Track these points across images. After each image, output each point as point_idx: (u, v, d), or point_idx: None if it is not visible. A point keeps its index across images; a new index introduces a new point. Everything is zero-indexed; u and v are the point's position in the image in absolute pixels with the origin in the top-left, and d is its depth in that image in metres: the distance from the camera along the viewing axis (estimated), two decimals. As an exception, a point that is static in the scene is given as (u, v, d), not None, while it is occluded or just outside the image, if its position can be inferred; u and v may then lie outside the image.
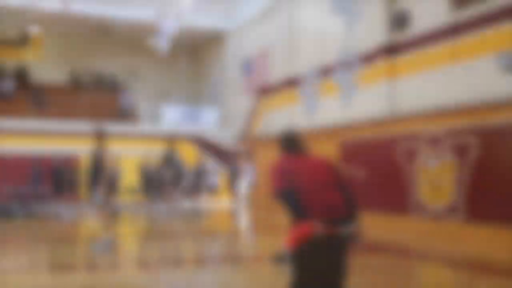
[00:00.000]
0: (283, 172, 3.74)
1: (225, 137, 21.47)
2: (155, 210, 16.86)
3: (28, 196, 16.77)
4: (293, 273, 3.65)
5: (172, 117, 21.12)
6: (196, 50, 25.22)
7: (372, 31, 13.41)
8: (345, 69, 14.68)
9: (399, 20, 12.42)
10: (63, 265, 8.07)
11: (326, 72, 15.56)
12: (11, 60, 23.57)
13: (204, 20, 19.33)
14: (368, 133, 13.35)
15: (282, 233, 11.55)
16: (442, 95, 11.26)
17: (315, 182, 3.68)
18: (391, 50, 12.76)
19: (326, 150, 13.79)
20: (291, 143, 3.99)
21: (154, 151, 17.99)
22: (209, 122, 21.55)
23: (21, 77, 23.41)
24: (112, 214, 15.29)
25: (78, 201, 16.33)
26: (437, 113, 11.23)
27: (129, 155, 17.82)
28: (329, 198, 3.63)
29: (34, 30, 22.24)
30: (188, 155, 17.88)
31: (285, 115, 17.49)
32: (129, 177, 16.90)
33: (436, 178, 11.14)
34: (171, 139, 19.39)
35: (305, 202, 3.58)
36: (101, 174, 8.91)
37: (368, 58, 13.63)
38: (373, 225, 11.73)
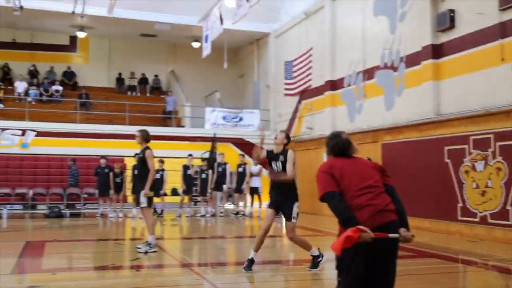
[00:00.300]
0: (330, 175, 3.69)
1: (267, 139, 21.46)
2: (198, 212, 17.03)
3: (75, 197, 17.20)
4: (340, 279, 3.62)
5: (214, 119, 21.29)
6: (238, 53, 25.37)
7: (417, 32, 13.19)
8: (388, 71, 14.48)
9: (445, 21, 12.16)
10: (108, 265, 8.24)
11: (369, 74, 15.39)
12: (60, 64, 24.32)
13: (246, 22, 19.38)
14: (412, 135, 13.13)
15: (324, 236, 11.43)
16: (490, 97, 10.98)
17: (363, 185, 3.64)
18: (436, 51, 12.52)
19: (368, 153, 13.65)
20: (338, 146, 3.92)
21: (197, 153, 18.18)
22: (251, 124, 21.61)
23: (69, 81, 24.07)
24: (157, 215, 15.56)
25: (123, 202, 16.65)
26: (484, 115, 10.96)
27: (173, 157, 18.06)
28: (378, 202, 3.58)
29: (81, 35, 22.86)
30: (231, 157, 17.97)
31: (327, 117, 17.38)
32: (173, 179, 17.10)
33: (484, 182, 10.86)
34: (214, 142, 19.56)
35: (352, 206, 3.55)
36: (147, 176, 9.05)
37: (413, 59, 13.40)
38: (420, 230, 11.54)
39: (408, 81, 13.65)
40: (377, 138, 14.49)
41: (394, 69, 14.20)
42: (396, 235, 3.50)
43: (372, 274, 3.54)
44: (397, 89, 14.09)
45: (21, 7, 18.56)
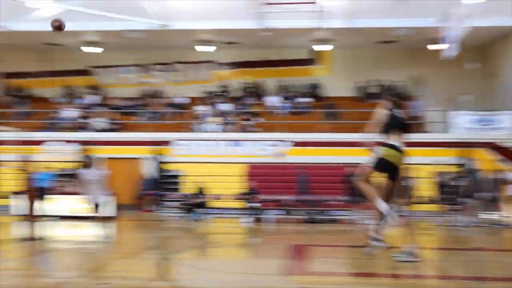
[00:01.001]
0: None
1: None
2: (452, 221, 16.48)
3: (327, 203, 18.24)
4: None
5: (462, 123, 20.40)
6: (485, 51, 23.82)
7: None
8: None
9: None
10: (365, 271, 8.59)
11: None
12: (305, 77, 25.96)
13: (492, 18, 18.20)
14: None
15: None
16: None
17: None
18: None
19: None
20: None
21: (446, 160, 17.71)
22: (505, 127, 20.13)
23: (315, 92, 25.51)
24: (408, 224, 15.49)
25: (373, 209, 17.01)
26: None
27: (420, 164, 17.85)
28: None
29: (323, 48, 24.05)
30: (485, 163, 17.04)
31: None
32: (423, 186, 16.90)
33: None
34: (465, 147, 18.75)
35: None
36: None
37: None
38: None
39: None
40: None
41: None
42: None
43: None
44: None
45: (271, 28, 20.43)
